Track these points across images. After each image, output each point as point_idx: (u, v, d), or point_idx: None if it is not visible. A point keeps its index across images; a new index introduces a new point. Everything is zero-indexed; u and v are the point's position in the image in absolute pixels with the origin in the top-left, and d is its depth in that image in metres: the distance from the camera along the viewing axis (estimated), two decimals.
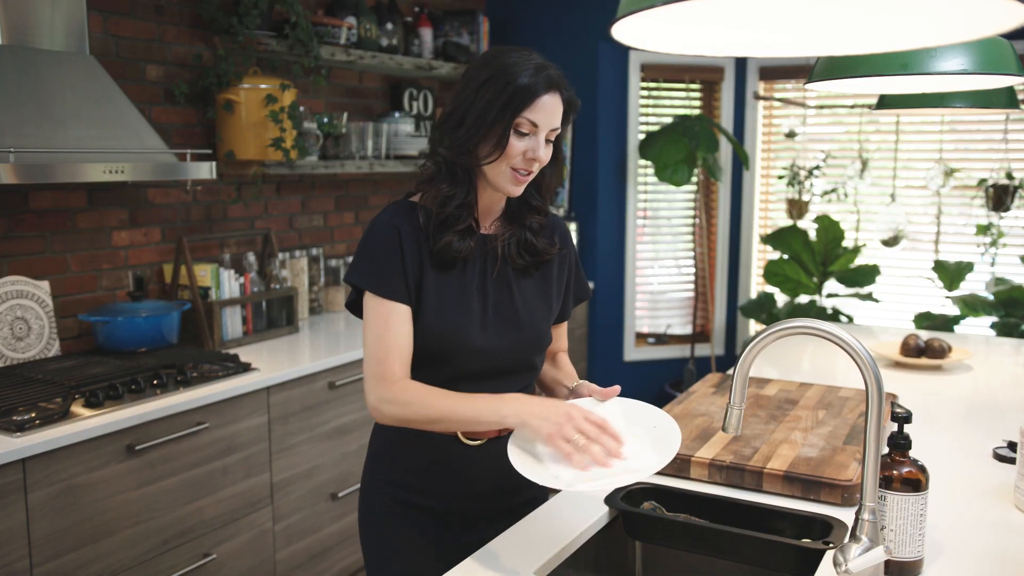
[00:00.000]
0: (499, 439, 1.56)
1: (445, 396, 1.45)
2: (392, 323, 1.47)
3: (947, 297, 4.23)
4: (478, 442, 1.56)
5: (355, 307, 1.57)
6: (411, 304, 1.49)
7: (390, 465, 1.62)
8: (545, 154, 1.49)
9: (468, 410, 1.43)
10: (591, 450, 1.33)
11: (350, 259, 3.76)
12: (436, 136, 1.53)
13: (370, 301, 1.49)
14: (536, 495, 1.68)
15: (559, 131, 1.51)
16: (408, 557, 1.61)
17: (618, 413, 1.49)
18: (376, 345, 1.47)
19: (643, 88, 4.72)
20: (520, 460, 1.38)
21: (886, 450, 1.35)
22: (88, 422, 2.17)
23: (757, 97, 4.70)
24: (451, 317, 1.50)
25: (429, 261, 1.50)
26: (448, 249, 1.49)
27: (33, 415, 2.13)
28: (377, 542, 1.64)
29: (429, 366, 1.52)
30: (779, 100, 4.66)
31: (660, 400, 4.74)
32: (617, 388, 1.53)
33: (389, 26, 3.70)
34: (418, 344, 1.50)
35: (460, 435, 1.55)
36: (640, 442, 1.43)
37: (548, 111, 1.47)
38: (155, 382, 2.44)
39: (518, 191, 1.51)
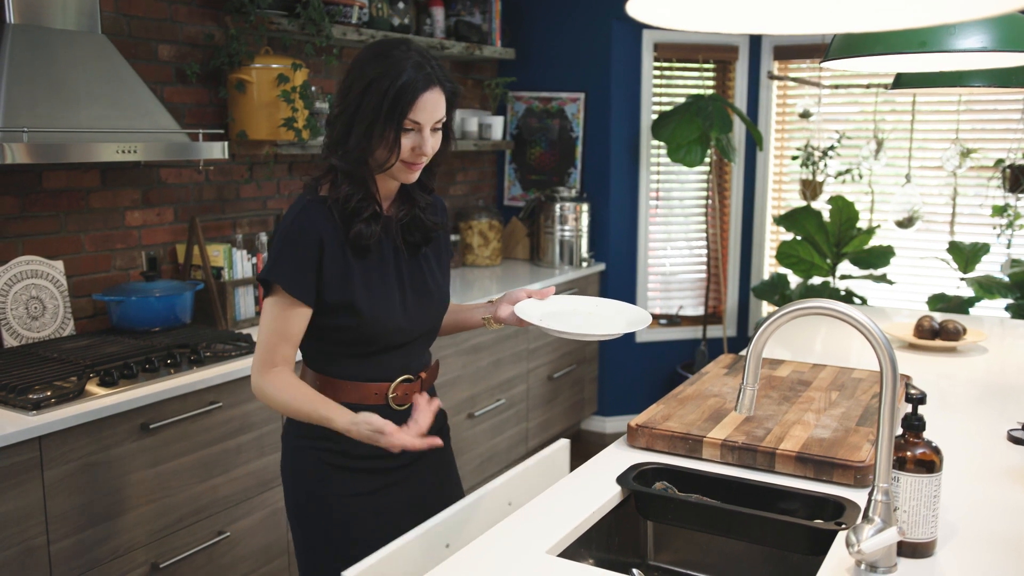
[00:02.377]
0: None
1: (287, 401, 1.57)
2: (291, 319, 1.58)
3: (962, 279, 4.20)
4: (405, 407, 1.68)
5: None
6: (312, 307, 1.59)
7: (317, 436, 1.65)
8: (432, 147, 1.58)
9: (312, 420, 1.57)
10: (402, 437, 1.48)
11: None
12: (327, 142, 1.63)
13: (278, 296, 1.58)
14: (443, 425, 1.84)
15: (444, 119, 1.60)
16: (342, 513, 1.67)
17: (576, 300, 1.85)
18: (271, 336, 1.59)
19: (656, 68, 4.69)
20: (526, 315, 1.71)
21: (900, 431, 1.34)
22: (103, 401, 2.19)
23: (771, 77, 4.66)
24: (379, 305, 1.62)
25: (350, 252, 1.60)
26: (359, 238, 1.59)
27: (48, 394, 2.14)
28: (309, 502, 1.69)
29: (358, 344, 1.63)
30: (793, 80, 4.62)
31: (672, 381, 4.74)
32: (552, 288, 1.81)
33: (401, 5, 3.69)
34: (351, 331, 1.61)
35: (390, 402, 1.67)
36: (607, 308, 1.81)
37: (430, 108, 1.55)
38: (169, 361, 2.46)
39: (413, 178, 1.62)
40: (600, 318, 1.80)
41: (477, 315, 1.84)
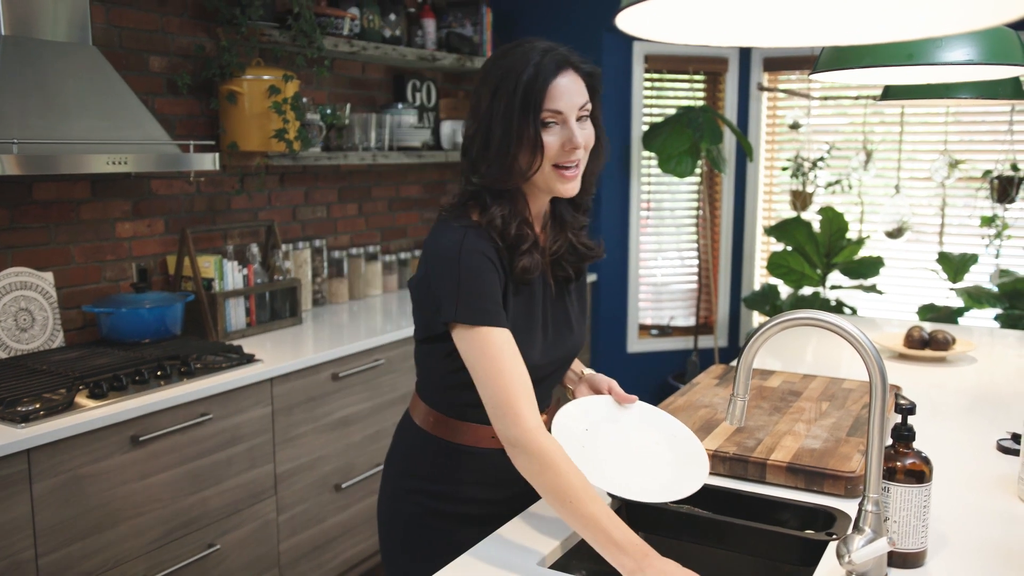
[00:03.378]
0: None
1: (579, 501, 1.30)
2: (506, 351, 1.37)
3: (951, 289, 4.22)
4: None
5: (429, 339, 1.48)
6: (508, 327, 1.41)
7: (424, 476, 1.55)
8: (583, 137, 1.40)
9: (587, 530, 1.29)
10: None
11: (351, 251, 3.76)
12: (466, 163, 1.45)
13: (475, 334, 1.37)
14: None
15: (591, 107, 1.42)
16: (437, 562, 1.53)
17: (635, 416, 1.63)
18: (497, 378, 1.36)
19: (647, 79, 4.71)
20: (564, 431, 1.47)
21: (890, 441, 1.35)
22: (92, 413, 2.18)
23: (761, 88, 4.69)
24: (522, 345, 1.43)
25: (511, 286, 1.44)
26: (525, 272, 1.42)
27: (37, 406, 2.13)
28: (404, 550, 1.58)
29: None
30: (783, 91, 4.64)
31: (663, 392, 4.74)
32: (635, 398, 1.61)
33: (392, 17, 3.69)
34: None
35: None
36: (661, 452, 1.58)
37: (567, 93, 1.38)
38: (159, 373, 2.45)
39: (572, 189, 1.42)
40: (650, 461, 1.56)
41: (565, 379, 1.68)
